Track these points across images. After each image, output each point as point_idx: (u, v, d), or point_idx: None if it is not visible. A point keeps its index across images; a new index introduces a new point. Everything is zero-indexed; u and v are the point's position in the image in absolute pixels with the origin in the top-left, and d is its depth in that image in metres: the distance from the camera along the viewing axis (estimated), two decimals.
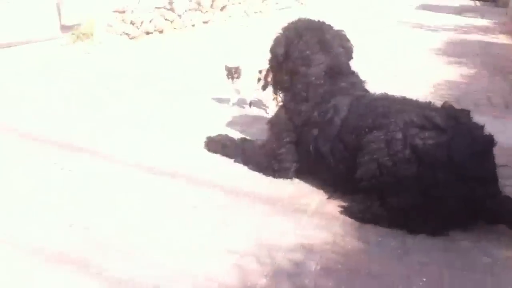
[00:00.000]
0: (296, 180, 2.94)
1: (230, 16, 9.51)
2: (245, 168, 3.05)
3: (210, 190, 2.75)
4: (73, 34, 6.05)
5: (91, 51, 5.86)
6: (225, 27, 8.75)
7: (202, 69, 5.38)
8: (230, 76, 4.04)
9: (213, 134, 3.38)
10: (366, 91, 2.97)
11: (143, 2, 6.95)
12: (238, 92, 4.15)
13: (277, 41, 3.13)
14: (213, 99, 4.35)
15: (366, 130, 2.58)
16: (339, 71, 2.97)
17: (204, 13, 8.61)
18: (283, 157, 2.95)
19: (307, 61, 2.97)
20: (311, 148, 2.81)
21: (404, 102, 2.71)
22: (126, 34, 6.68)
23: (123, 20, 6.63)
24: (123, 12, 6.60)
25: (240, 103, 4.23)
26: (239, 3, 9.90)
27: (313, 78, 2.92)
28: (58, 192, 2.66)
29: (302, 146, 2.89)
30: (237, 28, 8.68)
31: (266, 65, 3.37)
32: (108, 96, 4.32)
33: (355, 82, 2.99)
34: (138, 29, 6.91)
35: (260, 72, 3.98)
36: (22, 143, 3.26)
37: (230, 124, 3.83)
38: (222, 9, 9.24)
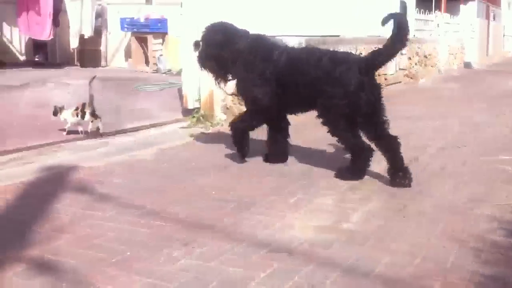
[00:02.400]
0: None
1: None
2: None
3: None
4: (193, 117, 6.49)
5: (209, 132, 6.20)
6: None
7: None
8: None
9: None
10: None
11: None
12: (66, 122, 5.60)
13: None
14: None
15: None
16: None
17: None
18: None
19: None
20: None
21: None
22: None
23: (239, 102, 6.98)
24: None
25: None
26: None
27: None
28: None
29: None
30: None
31: None
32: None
33: None
34: None
35: (77, 109, 5.51)
36: None
37: None
38: None
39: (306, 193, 4.00)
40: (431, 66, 15.06)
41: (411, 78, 13.32)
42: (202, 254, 2.89)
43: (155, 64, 12.09)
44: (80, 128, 5.64)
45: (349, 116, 4.18)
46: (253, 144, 4.96)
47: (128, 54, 12.73)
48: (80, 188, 4.01)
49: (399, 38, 4.11)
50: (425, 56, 14.80)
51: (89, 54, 12.16)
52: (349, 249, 2.98)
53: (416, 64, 13.92)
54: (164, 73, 11.76)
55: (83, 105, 5.57)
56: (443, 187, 4.15)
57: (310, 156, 5.08)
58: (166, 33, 12.25)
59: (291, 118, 4.88)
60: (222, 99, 6.76)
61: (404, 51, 4.87)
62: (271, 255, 2.88)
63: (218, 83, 4.88)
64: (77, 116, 5.55)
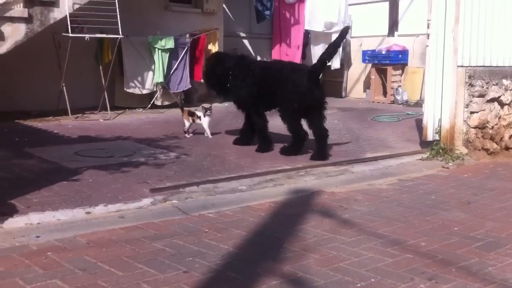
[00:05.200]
0: None
1: None
2: None
3: None
4: (432, 149, 6.39)
5: (449, 166, 6.04)
6: None
7: None
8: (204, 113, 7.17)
9: None
10: None
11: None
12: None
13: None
14: None
15: None
16: None
17: None
18: None
19: None
20: None
21: None
22: (485, 149, 6.66)
23: (482, 136, 6.66)
24: (483, 128, 6.66)
25: None
26: None
27: None
28: None
29: None
30: None
31: None
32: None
33: None
34: (497, 144, 6.83)
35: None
36: None
37: None
38: None
39: None
40: None
41: None
42: None
43: (392, 95, 12.15)
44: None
45: (298, 109, 5.96)
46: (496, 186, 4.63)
47: (366, 85, 13.02)
48: (324, 212, 4.27)
49: (330, 52, 6.17)
50: None
51: (331, 85, 12.73)
52: None
53: None
54: (402, 104, 11.76)
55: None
56: None
57: None
58: (405, 64, 12.25)
59: None
60: (464, 132, 6.52)
61: None
62: None
63: (217, 94, 6.98)
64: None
